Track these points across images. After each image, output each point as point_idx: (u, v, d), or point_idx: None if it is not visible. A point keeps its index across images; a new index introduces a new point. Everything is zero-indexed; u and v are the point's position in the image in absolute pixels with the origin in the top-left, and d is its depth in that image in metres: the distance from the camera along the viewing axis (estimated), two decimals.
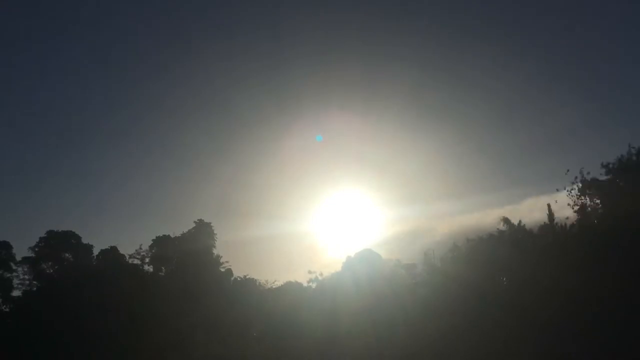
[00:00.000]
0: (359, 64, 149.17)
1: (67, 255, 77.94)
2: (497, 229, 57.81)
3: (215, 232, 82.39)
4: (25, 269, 76.04)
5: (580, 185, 53.50)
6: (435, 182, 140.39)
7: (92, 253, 79.39)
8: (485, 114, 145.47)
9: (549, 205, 54.50)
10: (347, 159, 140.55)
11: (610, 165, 53.23)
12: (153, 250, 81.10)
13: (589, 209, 53.70)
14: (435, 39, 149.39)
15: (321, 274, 75.19)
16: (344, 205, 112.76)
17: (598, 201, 53.54)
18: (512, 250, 54.13)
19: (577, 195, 53.64)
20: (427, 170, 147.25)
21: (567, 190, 53.84)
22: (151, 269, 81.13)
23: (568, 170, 53.61)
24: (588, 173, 53.51)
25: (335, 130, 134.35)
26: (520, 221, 57.13)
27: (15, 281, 75.94)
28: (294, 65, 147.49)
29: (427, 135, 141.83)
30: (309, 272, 76.25)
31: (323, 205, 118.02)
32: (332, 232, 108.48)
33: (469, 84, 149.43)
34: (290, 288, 79.93)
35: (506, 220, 58.49)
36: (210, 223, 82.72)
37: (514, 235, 56.96)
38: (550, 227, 54.97)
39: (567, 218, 52.88)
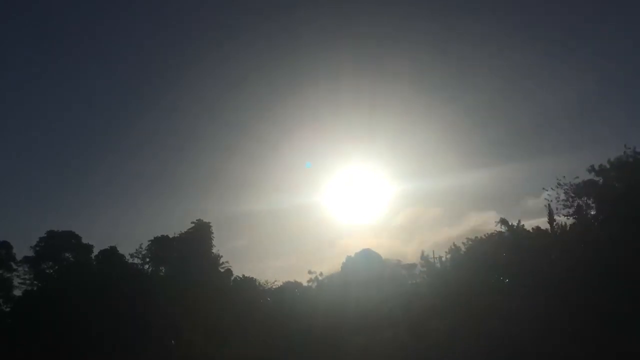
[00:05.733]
0: (370, 39, 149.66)
1: (67, 255, 77.84)
2: (496, 230, 58.18)
3: (213, 232, 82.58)
4: (26, 269, 75.87)
5: (570, 186, 54.03)
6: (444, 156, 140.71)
7: (92, 253, 79.29)
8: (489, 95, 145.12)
9: (549, 206, 54.92)
10: (358, 132, 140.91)
11: (603, 166, 53.71)
12: (152, 250, 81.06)
13: (584, 210, 54.16)
14: (444, 15, 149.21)
15: (321, 274, 75.58)
16: (354, 179, 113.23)
17: (590, 201, 53.97)
18: (511, 251, 54.53)
19: (571, 196, 54.09)
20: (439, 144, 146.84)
21: (561, 188, 54.41)
22: (150, 269, 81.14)
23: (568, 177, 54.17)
24: (576, 177, 54.21)
25: (345, 105, 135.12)
26: (519, 221, 57.50)
27: (16, 281, 75.87)
28: (304, 43, 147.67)
29: (436, 110, 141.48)
30: (309, 272, 76.65)
31: (333, 180, 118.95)
32: (341, 206, 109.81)
33: (479, 63, 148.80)
34: (290, 288, 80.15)
35: (504, 222, 58.83)
36: (209, 223, 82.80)
37: (512, 236, 57.33)
38: (550, 227, 55.39)
39: (568, 218, 53.21)
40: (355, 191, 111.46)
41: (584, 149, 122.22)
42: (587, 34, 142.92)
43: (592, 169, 54.34)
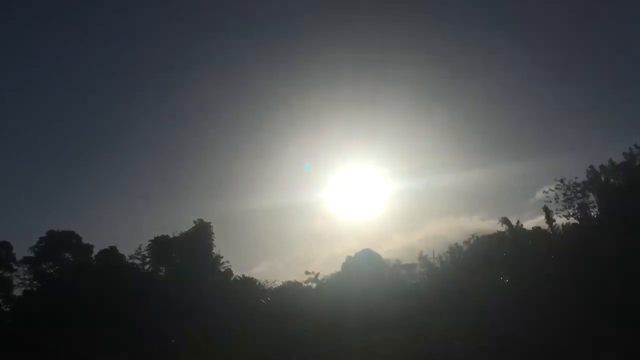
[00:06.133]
0: (371, 40, 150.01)
1: (67, 255, 77.91)
2: (497, 230, 58.17)
3: (213, 231, 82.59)
4: (25, 269, 75.98)
5: (570, 186, 53.97)
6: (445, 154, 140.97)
7: (92, 253, 79.34)
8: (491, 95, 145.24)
9: (545, 208, 54.86)
10: (359, 131, 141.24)
11: (605, 166, 53.68)
12: (153, 250, 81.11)
13: (585, 210, 54.14)
14: (445, 16, 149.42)
15: (318, 274, 75.53)
16: (354, 178, 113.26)
17: (590, 201, 53.95)
18: (511, 250, 54.53)
19: (571, 197, 54.07)
20: (439, 143, 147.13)
21: (560, 189, 54.37)
22: (151, 269, 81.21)
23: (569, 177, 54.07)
24: (576, 177, 54.13)
25: (346, 105, 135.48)
26: (518, 221, 57.51)
27: (15, 281, 75.99)
28: (306, 45, 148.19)
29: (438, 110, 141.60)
30: (306, 272, 76.63)
31: (334, 179, 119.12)
32: (341, 205, 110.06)
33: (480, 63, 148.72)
34: (290, 288, 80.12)
35: (505, 221, 58.79)
36: (210, 223, 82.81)
37: (512, 236, 57.34)
38: (549, 227, 55.38)
39: (568, 218, 53.19)
40: (356, 190, 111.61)
41: (584, 148, 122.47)
42: (587, 33, 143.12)
43: (593, 169, 54.32)
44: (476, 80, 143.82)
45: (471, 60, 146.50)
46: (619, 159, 53.68)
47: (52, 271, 77.20)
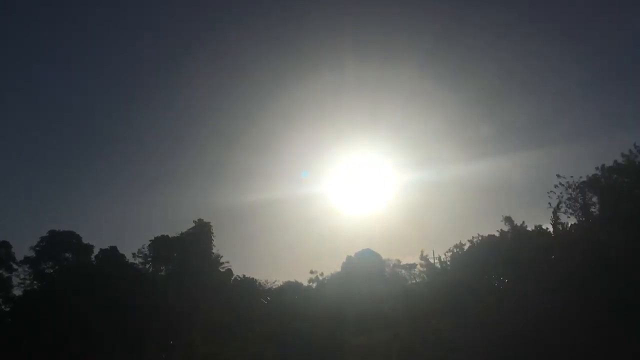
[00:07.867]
0: (375, 22, 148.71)
1: (67, 255, 78.02)
2: (500, 229, 57.91)
3: (213, 231, 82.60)
4: (26, 269, 76.17)
5: (575, 185, 53.73)
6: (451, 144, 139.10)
7: (92, 253, 79.41)
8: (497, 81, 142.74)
9: (556, 206, 54.52)
10: (361, 118, 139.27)
11: (608, 166, 53.42)
12: (152, 251, 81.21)
13: (589, 209, 53.91)
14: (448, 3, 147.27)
15: (322, 274, 75.39)
16: (356, 168, 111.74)
17: (594, 200, 53.72)
18: (514, 250, 54.30)
19: (576, 195, 53.82)
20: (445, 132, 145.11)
21: (565, 187, 54.10)
22: (151, 269, 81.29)
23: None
24: (580, 177, 53.90)
25: (348, 95, 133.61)
26: (523, 222, 57.29)
27: (15, 281, 76.16)
28: (307, 32, 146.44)
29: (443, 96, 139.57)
30: (311, 271, 76.46)
31: (336, 168, 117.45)
32: (344, 195, 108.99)
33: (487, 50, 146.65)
34: (290, 288, 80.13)
35: (508, 220, 58.50)
36: (210, 223, 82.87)
37: (514, 235, 57.14)
38: (553, 227, 55.17)
39: (569, 217, 52.96)
40: (359, 184, 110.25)
41: (590, 143, 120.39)
42: (593, 24, 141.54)
43: (597, 168, 54.05)
44: (487, 65, 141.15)
45: (482, 43, 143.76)
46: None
47: (52, 271, 77.30)
